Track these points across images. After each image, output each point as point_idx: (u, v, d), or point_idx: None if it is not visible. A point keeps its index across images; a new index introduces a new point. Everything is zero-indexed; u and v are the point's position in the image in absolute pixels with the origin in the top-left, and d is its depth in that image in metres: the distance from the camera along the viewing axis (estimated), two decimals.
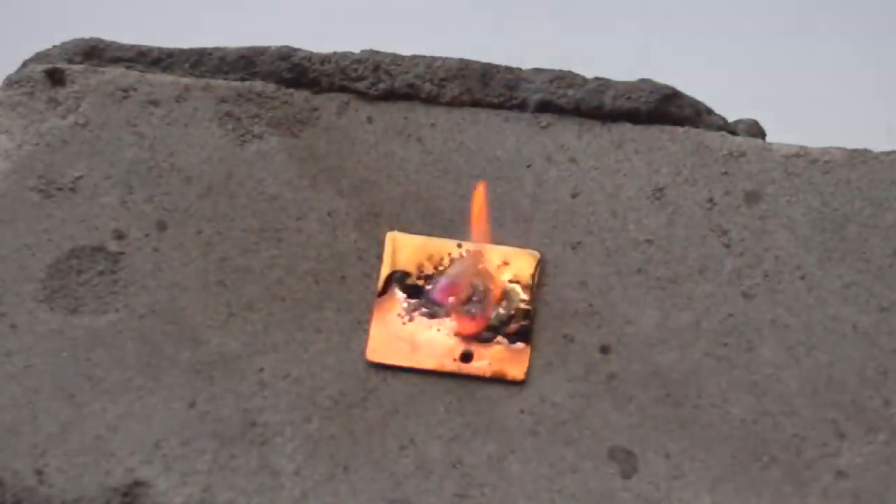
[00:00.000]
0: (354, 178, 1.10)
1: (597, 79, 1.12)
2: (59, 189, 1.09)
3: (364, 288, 1.04)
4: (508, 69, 1.13)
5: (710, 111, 1.13)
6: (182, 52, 1.18)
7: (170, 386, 1.00)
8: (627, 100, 1.11)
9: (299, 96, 1.13)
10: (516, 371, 1.00)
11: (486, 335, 1.02)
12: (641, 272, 1.04)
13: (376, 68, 1.13)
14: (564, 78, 1.12)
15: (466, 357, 1.01)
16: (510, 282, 1.04)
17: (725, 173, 1.07)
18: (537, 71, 1.13)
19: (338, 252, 1.06)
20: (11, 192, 1.09)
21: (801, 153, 1.08)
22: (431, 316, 1.03)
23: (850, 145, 1.08)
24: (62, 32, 1.21)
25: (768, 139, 1.13)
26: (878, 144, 1.10)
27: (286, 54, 1.15)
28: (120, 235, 1.07)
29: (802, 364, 0.99)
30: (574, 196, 1.08)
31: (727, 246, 1.04)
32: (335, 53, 1.14)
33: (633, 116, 1.11)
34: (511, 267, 1.04)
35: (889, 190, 1.05)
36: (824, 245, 1.03)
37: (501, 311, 1.03)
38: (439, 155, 1.10)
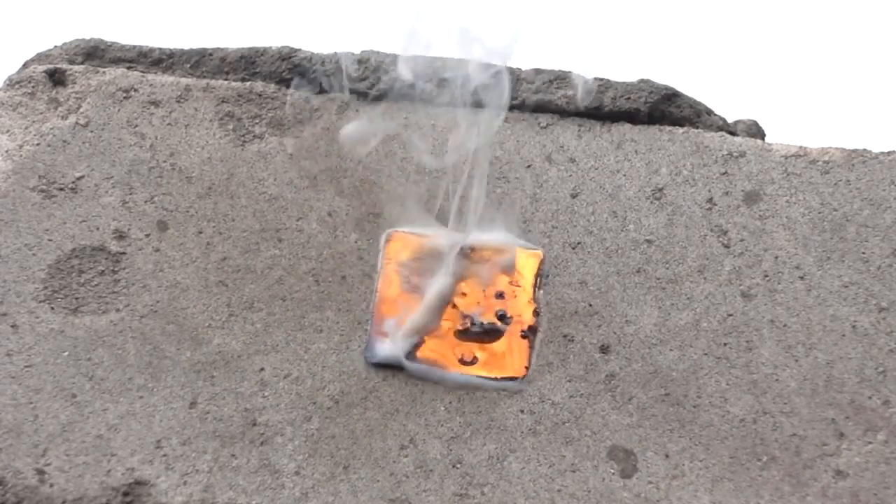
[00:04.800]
0: (354, 178, 1.10)
1: (597, 79, 1.12)
2: (60, 189, 1.09)
3: (364, 288, 1.05)
4: (508, 69, 1.13)
5: (709, 111, 1.13)
6: (183, 52, 1.18)
7: (170, 386, 1.00)
8: (627, 100, 1.11)
9: (300, 96, 1.14)
10: (516, 371, 1.00)
11: (486, 335, 1.02)
12: (641, 272, 1.04)
13: (376, 68, 1.13)
14: (564, 78, 1.12)
15: (467, 357, 1.01)
16: (511, 282, 1.04)
17: (725, 173, 1.07)
18: (537, 71, 1.13)
19: (338, 252, 1.06)
20: (12, 192, 1.09)
21: (801, 153, 1.08)
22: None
23: (850, 145, 1.09)
24: (63, 32, 1.22)
25: (768, 139, 1.13)
26: (878, 144, 1.10)
27: (286, 54, 1.15)
28: (121, 235, 1.07)
29: (801, 364, 0.99)
30: (574, 196, 1.08)
31: (726, 246, 1.04)
32: (335, 53, 1.15)
33: (633, 116, 1.11)
34: (513, 266, 1.05)
35: (888, 190, 1.05)
36: (823, 245, 1.03)
37: (503, 310, 1.03)
38: (439, 155, 1.10)
